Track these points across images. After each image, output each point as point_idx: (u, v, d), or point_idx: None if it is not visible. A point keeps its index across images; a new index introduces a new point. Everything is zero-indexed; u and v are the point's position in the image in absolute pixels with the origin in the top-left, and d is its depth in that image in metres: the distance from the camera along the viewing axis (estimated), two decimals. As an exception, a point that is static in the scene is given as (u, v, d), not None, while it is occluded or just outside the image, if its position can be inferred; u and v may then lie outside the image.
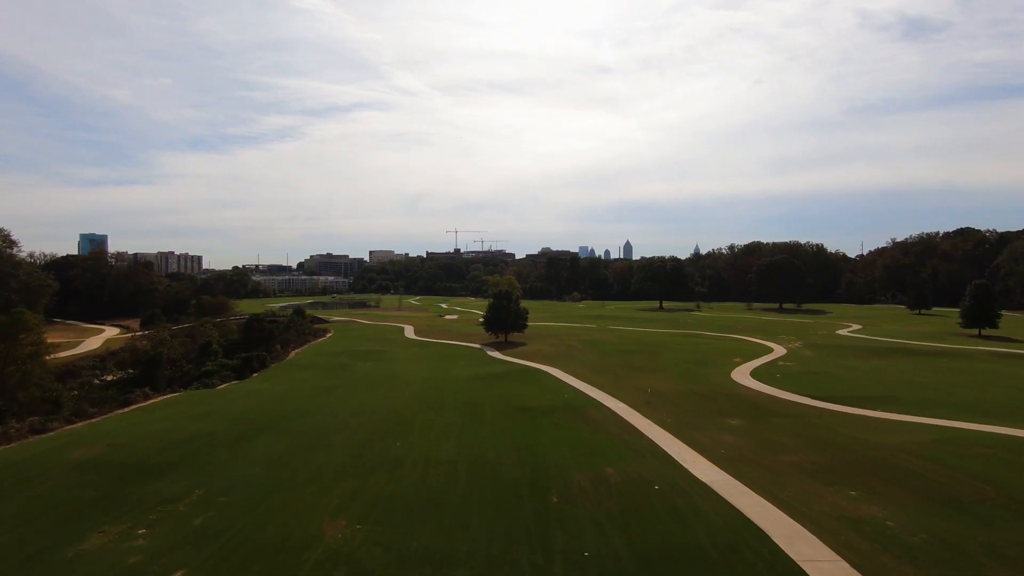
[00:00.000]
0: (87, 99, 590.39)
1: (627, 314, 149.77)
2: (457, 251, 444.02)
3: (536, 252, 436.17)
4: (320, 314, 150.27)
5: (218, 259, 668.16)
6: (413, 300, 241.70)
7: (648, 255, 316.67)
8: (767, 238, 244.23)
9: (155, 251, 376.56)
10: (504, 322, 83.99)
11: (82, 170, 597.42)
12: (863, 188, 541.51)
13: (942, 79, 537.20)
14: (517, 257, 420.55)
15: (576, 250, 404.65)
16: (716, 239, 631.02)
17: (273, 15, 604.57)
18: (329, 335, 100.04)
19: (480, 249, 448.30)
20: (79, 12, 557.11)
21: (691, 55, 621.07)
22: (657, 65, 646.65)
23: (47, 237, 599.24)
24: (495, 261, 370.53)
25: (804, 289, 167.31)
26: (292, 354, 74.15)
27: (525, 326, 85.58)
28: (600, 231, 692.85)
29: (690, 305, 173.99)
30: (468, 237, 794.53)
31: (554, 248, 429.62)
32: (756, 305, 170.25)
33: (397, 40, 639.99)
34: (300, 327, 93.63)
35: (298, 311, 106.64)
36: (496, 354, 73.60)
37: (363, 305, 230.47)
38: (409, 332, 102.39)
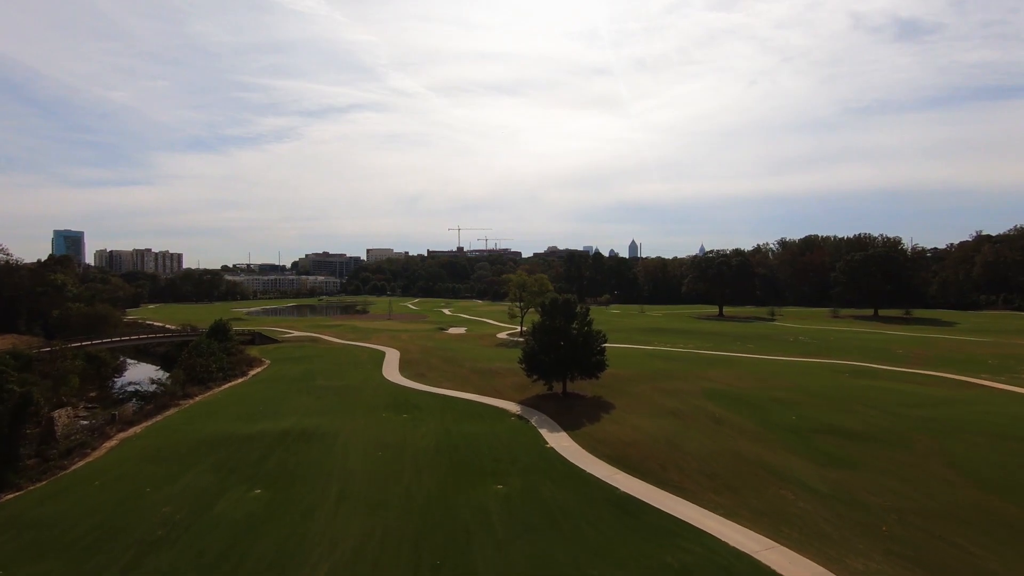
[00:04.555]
0: (86, 100, 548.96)
1: (689, 325, 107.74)
2: (460, 249, 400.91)
3: (543, 251, 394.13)
4: (280, 325, 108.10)
5: (211, 259, 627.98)
6: (410, 304, 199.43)
7: (653, 255, 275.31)
8: (793, 235, 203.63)
9: (131, 248, 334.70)
10: (566, 360, 41.91)
11: (81, 171, 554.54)
12: (861, 189, 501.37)
13: (936, 80, 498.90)
14: (524, 256, 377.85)
15: (580, 249, 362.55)
16: (720, 239, 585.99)
17: (269, 17, 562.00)
18: (257, 371, 58.05)
19: (485, 248, 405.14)
20: (76, 15, 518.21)
21: (685, 56, 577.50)
22: (651, 66, 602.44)
23: (39, 237, 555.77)
24: (502, 260, 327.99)
25: (909, 292, 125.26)
26: (110, 444, 31.88)
27: (604, 366, 43.35)
28: (600, 231, 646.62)
29: (760, 311, 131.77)
30: (471, 236, 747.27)
31: (560, 247, 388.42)
32: (844, 311, 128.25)
33: (392, 42, 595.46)
34: (199, 363, 51.33)
35: (216, 328, 64.79)
36: (569, 446, 31.45)
37: (352, 310, 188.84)
38: (391, 365, 60.30)
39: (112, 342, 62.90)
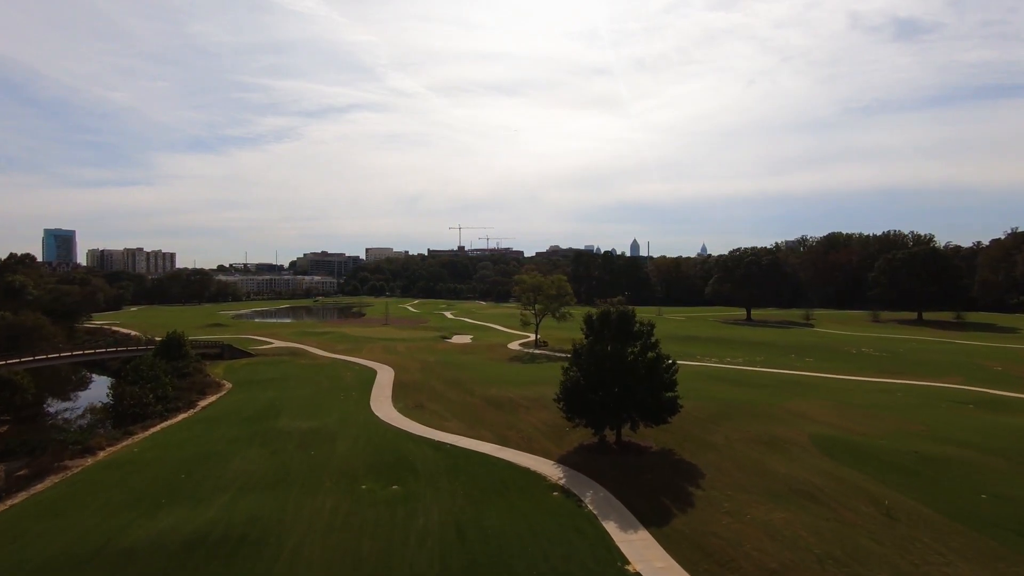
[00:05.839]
0: (86, 100, 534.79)
1: (720, 332, 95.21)
2: (461, 248, 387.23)
3: (544, 250, 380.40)
4: (263, 332, 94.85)
5: (209, 259, 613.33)
6: (410, 306, 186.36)
7: (655, 255, 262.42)
8: (792, 235, 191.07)
9: (122, 247, 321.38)
10: (624, 400, 29.12)
11: (81, 171, 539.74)
12: (861, 188, 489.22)
13: (936, 80, 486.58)
14: (526, 255, 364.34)
15: (582, 249, 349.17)
16: (722, 239, 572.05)
17: (269, 17, 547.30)
18: (211, 400, 45.16)
19: (487, 247, 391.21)
20: (76, 15, 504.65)
21: (684, 56, 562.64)
22: (651, 66, 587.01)
23: (36, 238, 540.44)
24: (505, 259, 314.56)
25: (954, 293, 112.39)
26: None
27: (677, 408, 30.59)
28: (601, 231, 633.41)
29: (790, 314, 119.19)
30: (472, 235, 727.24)
31: (562, 247, 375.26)
32: (884, 315, 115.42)
33: (392, 42, 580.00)
34: (130, 392, 38.45)
35: (169, 344, 51.85)
36: (665, 569, 18.50)
37: (348, 312, 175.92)
38: (382, 391, 47.36)
39: (29, 361, 49.88)
